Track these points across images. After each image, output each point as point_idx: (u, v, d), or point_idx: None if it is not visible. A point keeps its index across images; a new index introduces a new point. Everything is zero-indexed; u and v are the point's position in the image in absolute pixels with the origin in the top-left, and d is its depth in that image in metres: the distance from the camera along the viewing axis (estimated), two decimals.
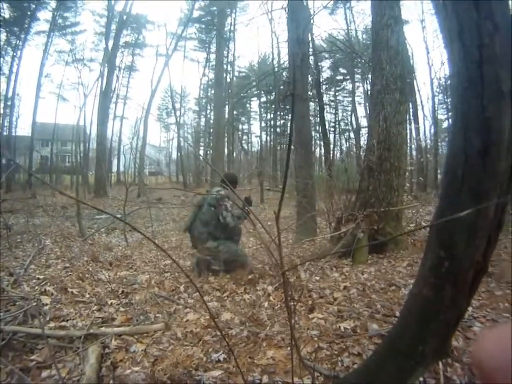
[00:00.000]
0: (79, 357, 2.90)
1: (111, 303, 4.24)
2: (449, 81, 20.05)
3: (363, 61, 18.48)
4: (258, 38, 74.18)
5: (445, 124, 31.59)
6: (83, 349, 3.00)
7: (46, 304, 4.08)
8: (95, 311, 3.96)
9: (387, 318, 3.38)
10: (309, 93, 15.47)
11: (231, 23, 28.90)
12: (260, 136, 38.66)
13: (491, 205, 1.15)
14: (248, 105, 44.46)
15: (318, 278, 4.88)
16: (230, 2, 22.78)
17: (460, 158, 1.20)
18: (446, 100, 29.80)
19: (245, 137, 47.54)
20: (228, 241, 5.52)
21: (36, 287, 4.69)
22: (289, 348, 2.76)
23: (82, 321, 3.65)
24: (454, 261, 1.22)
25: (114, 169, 43.46)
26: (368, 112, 28.48)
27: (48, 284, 4.81)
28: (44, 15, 29.36)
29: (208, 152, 39.35)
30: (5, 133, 29.15)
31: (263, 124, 41.78)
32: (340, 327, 3.23)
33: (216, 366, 2.73)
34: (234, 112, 33.33)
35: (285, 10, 9.43)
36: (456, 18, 1.20)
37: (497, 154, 1.13)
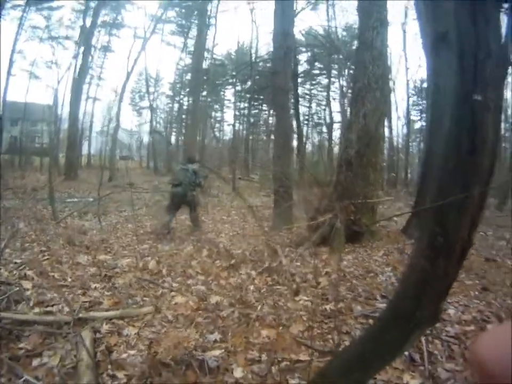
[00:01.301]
0: (70, 342, 2.88)
1: (95, 286, 4.24)
2: (425, 84, 20.59)
3: (341, 57, 18.69)
4: (238, 27, 73.84)
5: (417, 125, 32.24)
6: (74, 334, 2.96)
7: (28, 289, 3.98)
8: (80, 296, 3.96)
9: (369, 301, 3.64)
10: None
11: (211, 9, 28.72)
12: (233, 125, 38.48)
13: (476, 192, 1.39)
14: (222, 93, 44.16)
15: (298, 263, 5.06)
16: None
17: (452, 154, 1.45)
18: (419, 102, 30.44)
19: (217, 125, 47.22)
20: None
21: (15, 272, 4.55)
22: (281, 328, 2.91)
23: (68, 306, 3.65)
24: (446, 236, 1.44)
25: (85, 151, 42.45)
26: (342, 108, 28.86)
27: (27, 268, 4.67)
28: None
29: (180, 138, 38.97)
30: None
31: (236, 113, 41.61)
32: (326, 308, 3.42)
33: (214, 346, 2.84)
34: (208, 99, 33.01)
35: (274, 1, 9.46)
36: (458, 41, 1.42)
37: (482, 153, 1.38)
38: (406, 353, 2.49)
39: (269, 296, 3.80)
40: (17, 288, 3.85)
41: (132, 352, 2.83)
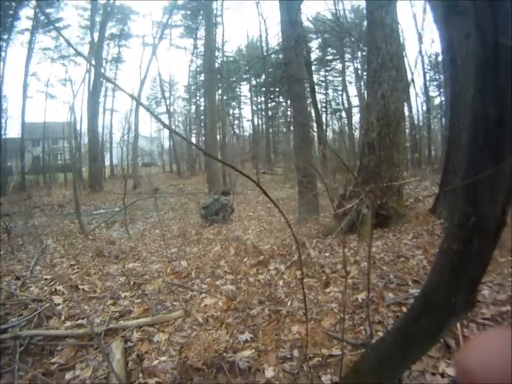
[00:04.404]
0: (102, 354, 2.88)
1: (125, 295, 4.26)
2: (440, 58, 20.12)
3: (353, 39, 18.37)
4: (246, 22, 73.66)
5: (437, 101, 31.39)
6: (105, 345, 2.98)
7: (59, 304, 4.03)
8: (110, 306, 3.97)
9: (401, 287, 3.50)
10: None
11: (216, 8, 28.62)
12: (252, 120, 38.42)
13: (508, 165, 1.28)
14: (238, 89, 44.11)
15: (327, 254, 4.95)
16: None
17: (480, 127, 1.32)
18: (437, 77, 29.66)
19: (236, 121, 47.18)
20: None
21: (45, 288, 4.63)
22: (312, 322, 2.83)
23: (99, 317, 3.67)
24: (479, 216, 1.33)
25: (107, 163, 43.14)
26: (359, 91, 28.41)
27: (57, 283, 4.72)
28: (26, 12, 28.62)
29: (200, 139, 39.19)
30: None
31: (254, 108, 41.48)
32: (357, 298, 3.31)
33: (244, 346, 2.78)
34: (224, 97, 33.04)
35: None
36: (474, 5, 1.30)
37: (511, 122, 1.24)
38: (441, 340, 2.36)
39: (298, 290, 3.72)
40: (48, 304, 3.90)
41: (163, 358, 2.81)
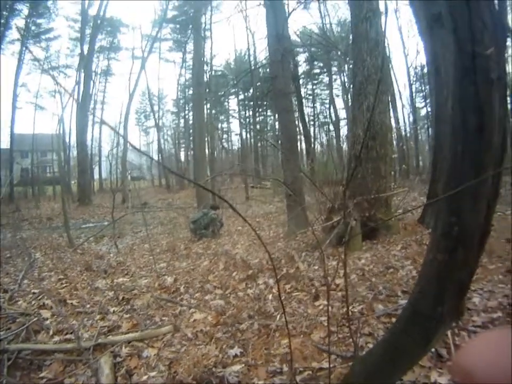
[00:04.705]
0: (91, 369, 2.85)
1: (114, 310, 4.22)
2: (426, 69, 20.43)
3: (339, 52, 18.63)
4: (234, 36, 74.37)
5: (423, 112, 31.85)
6: (94, 360, 2.95)
7: (47, 318, 3.98)
8: (99, 321, 3.93)
9: (390, 298, 3.51)
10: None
11: (205, 22, 28.83)
12: (240, 134, 38.62)
13: (489, 173, 1.31)
14: (226, 103, 44.35)
15: (316, 267, 4.95)
16: (205, 2, 22.69)
17: (459, 135, 1.37)
18: (423, 88, 30.11)
19: (224, 135, 47.38)
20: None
21: (33, 302, 4.58)
22: (302, 336, 2.82)
23: (87, 332, 3.62)
24: (463, 225, 1.36)
25: (96, 176, 42.95)
26: (346, 104, 28.71)
27: (45, 297, 4.66)
28: (17, 22, 28.66)
29: (189, 153, 39.23)
30: None
31: (242, 121, 41.68)
32: (346, 310, 3.32)
33: (234, 361, 2.76)
34: (213, 111, 33.17)
35: (263, 6, 9.46)
36: (451, 17, 1.34)
37: (490, 131, 1.30)
38: (433, 349, 2.36)
39: (288, 304, 3.71)
40: (36, 318, 3.85)
41: (152, 373, 2.78)
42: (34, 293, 4.95)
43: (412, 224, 6.38)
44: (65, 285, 5.45)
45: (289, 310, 3.54)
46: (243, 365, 2.68)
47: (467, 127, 1.31)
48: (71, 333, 3.54)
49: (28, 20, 28.71)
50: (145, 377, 2.75)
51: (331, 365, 2.17)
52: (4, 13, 26.13)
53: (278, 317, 3.41)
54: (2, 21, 26.24)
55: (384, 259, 4.87)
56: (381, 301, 3.47)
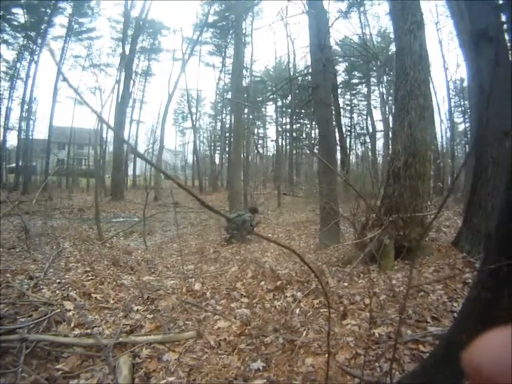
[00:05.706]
0: (109, 366, 2.82)
1: (137, 309, 4.17)
2: (466, 83, 19.86)
3: (379, 63, 18.37)
4: (274, 42, 74.44)
5: (461, 127, 30.96)
6: (113, 358, 2.92)
7: (70, 310, 3.96)
8: (121, 318, 3.89)
9: (419, 324, 3.36)
10: None
11: (245, 28, 28.95)
12: (276, 140, 38.54)
13: None
14: (263, 109, 44.39)
15: (346, 284, 4.81)
16: (246, 7, 22.77)
17: None
18: (461, 103, 29.30)
19: (260, 141, 47.42)
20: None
21: (58, 292, 4.53)
22: (327, 355, 2.72)
23: (109, 329, 3.61)
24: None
25: (130, 172, 43.73)
26: (384, 116, 28.25)
27: (70, 288, 4.64)
28: (60, 20, 29.78)
29: (224, 156, 39.43)
30: (22, 136, 29.56)
31: (279, 129, 41.63)
32: (374, 333, 3.18)
33: (256, 375, 2.68)
34: (250, 116, 33.22)
35: (306, 14, 9.39)
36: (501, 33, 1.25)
37: None
38: None
39: (315, 320, 3.60)
40: (59, 309, 3.84)
41: (171, 379, 2.73)
42: (59, 283, 4.91)
43: (446, 246, 6.15)
44: (91, 277, 5.39)
45: (316, 327, 3.43)
46: (265, 380, 2.59)
47: None
48: (93, 328, 3.54)
49: (71, 19, 29.72)
50: (163, 382, 2.71)
51: None
52: (47, 10, 27.06)
53: (304, 333, 3.31)
54: (45, 18, 27.20)
55: (415, 281, 4.69)
56: (410, 326, 3.33)
